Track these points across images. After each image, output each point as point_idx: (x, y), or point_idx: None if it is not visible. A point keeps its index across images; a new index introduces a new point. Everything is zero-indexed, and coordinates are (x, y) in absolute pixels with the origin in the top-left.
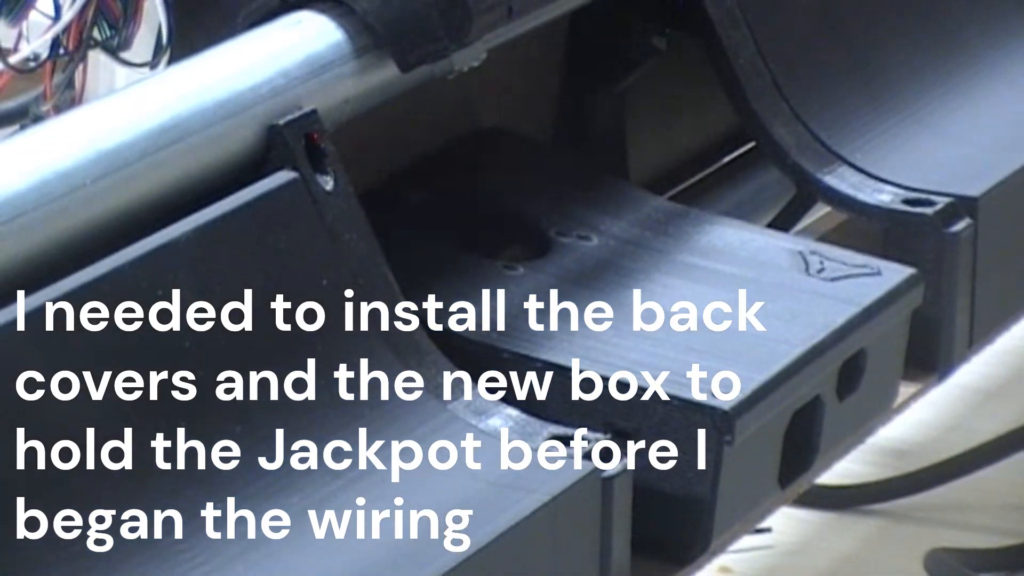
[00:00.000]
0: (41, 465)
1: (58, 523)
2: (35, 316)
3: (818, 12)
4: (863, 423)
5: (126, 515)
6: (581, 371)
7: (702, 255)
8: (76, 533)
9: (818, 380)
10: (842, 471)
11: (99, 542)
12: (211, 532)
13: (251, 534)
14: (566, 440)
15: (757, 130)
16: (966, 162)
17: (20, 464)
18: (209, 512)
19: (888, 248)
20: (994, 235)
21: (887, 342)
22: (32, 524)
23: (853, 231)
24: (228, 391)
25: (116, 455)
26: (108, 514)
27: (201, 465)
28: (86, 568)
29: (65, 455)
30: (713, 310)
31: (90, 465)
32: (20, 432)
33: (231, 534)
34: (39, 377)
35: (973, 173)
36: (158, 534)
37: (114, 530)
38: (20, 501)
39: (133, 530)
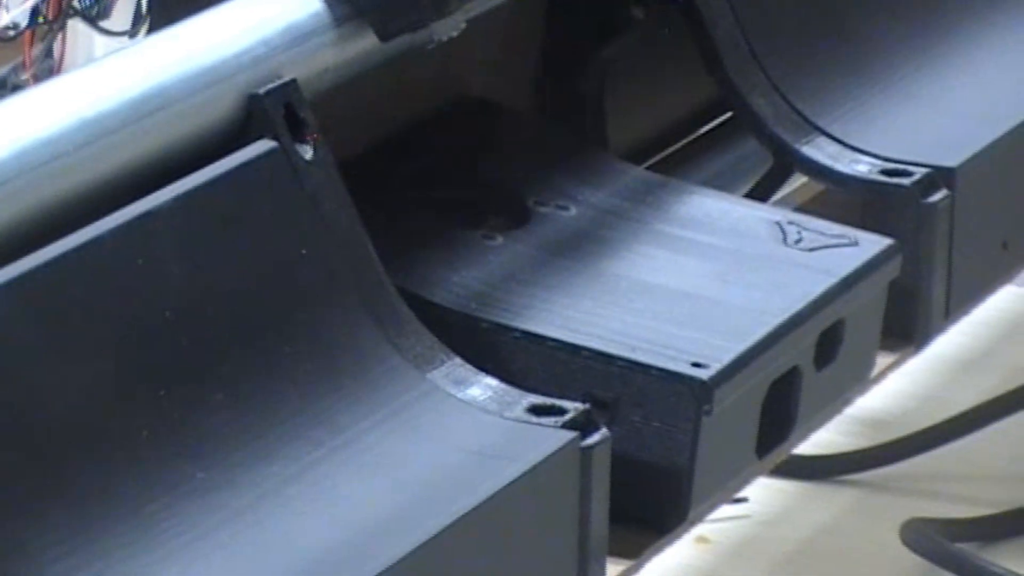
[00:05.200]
0: (24, 433)
1: (41, 492)
2: (17, 284)
3: None
4: (841, 393)
5: (109, 484)
6: (560, 341)
7: (680, 225)
8: (59, 502)
9: (796, 350)
10: (820, 441)
11: (82, 510)
12: (194, 500)
13: (233, 503)
14: (545, 410)
15: (735, 100)
16: (944, 133)
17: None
18: (192, 481)
19: (866, 218)
20: (972, 206)
21: (865, 313)
22: (15, 493)
23: (831, 201)
24: (209, 359)
25: (98, 423)
26: (91, 483)
27: (184, 434)
28: (67, 536)
29: (47, 423)
30: (691, 280)
31: (73, 433)
32: (2, 399)
33: (214, 502)
34: (21, 345)
35: (951, 144)
36: (141, 502)
37: (97, 499)
38: (2, 469)
39: (116, 498)
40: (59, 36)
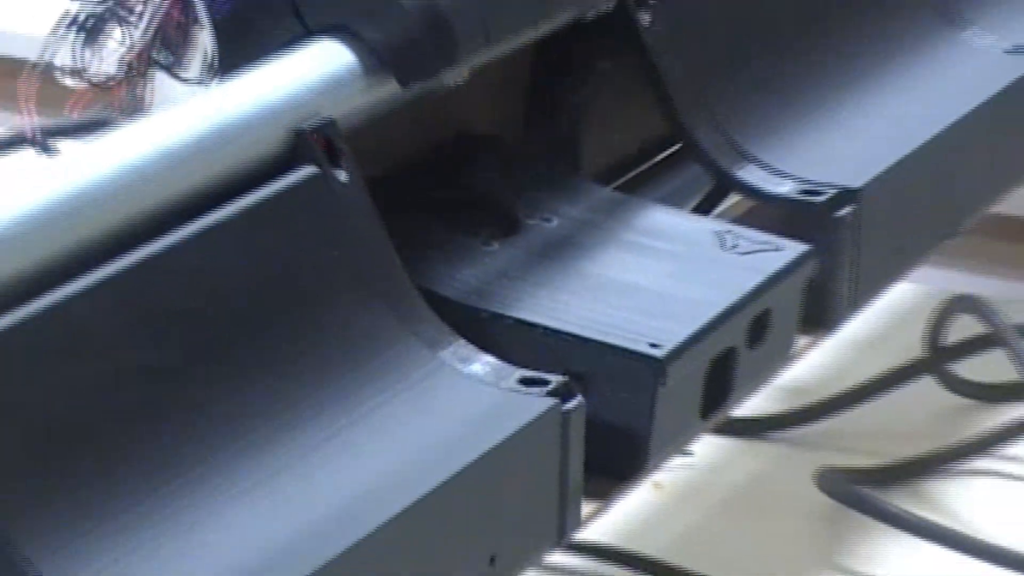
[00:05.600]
0: (113, 392)
1: (120, 446)
2: (119, 278)
3: (738, 40)
4: (768, 368)
5: (173, 445)
6: (545, 326)
7: (641, 234)
8: (137, 455)
9: (732, 334)
10: (751, 406)
11: (153, 465)
12: (241, 461)
13: (273, 463)
14: (533, 381)
15: (683, 135)
16: (852, 158)
17: (49, 408)
18: (239, 443)
19: (788, 229)
20: (873, 218)
21: (787, 303)
22: (42, 472)
23: (760, 215)
24: (261, 346)
25: (170, 392)
26: (119, 459)
27: (234, 406)
28: (139, 485)
29: (134, 388)
30: (649, 278)
31: (153, 398)
32: (63, 378)
33: (256, 463)
34: (122, 324)
35: (857, 168)
36: (195, 461)
37: (163, 457)
38: (37, 449)
39: (177, 459)
40: (146, 84)
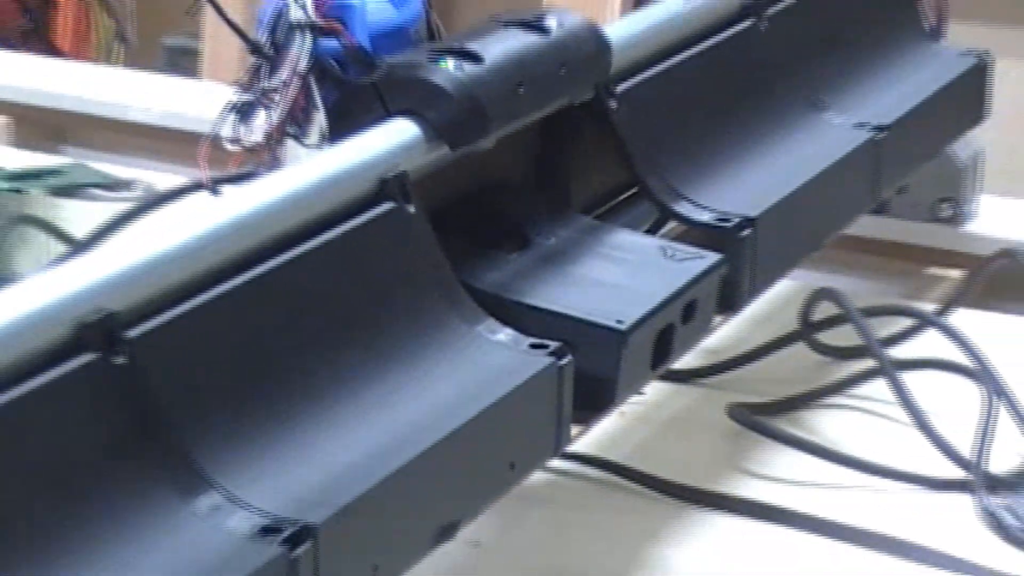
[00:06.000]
0: (265, 363)
1: (237, 402)
2: (257, 281)
3: (676, 119)
4: (695, 337)
5: (281, 396)
6: (547, 309)
7: (611, 248)
8: (274, 401)
9: (672, 314)
10: (683, 361)
11: (261, 411)
12: (342, 404)
13: (360, 404)
14: (539, 346)
15: (638, 182)
16: (753, 195)
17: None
18: (339, 393)
19: (708, 244)
20: (766, 237)
21: (708, 294)
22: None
23: (691, 235)
24: (352, 329)
25: (293, 361)
26: (268, 396)
27: (332, 370)
28: (280, 411)
29: (276, 361)
30: (617, 277)
31: (283, 365)
32: (231, 342)
33: (348, 407)
34: (258, 315)
35: (756, 202)
36: (314, 397)
37: (295, 396)
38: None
39: (305, 397)
40: (281, 148)
